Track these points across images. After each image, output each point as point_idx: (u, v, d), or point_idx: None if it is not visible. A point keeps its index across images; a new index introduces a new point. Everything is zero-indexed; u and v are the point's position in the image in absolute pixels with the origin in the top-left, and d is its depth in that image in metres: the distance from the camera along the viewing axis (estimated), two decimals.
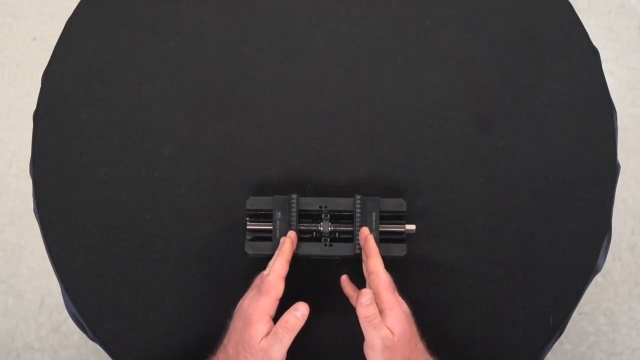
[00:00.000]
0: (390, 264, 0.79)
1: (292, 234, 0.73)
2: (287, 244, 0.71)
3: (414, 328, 0.69)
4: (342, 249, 0.74)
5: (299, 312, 0.66)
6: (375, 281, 0.68)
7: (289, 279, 0.80)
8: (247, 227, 0.75)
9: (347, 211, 0.75)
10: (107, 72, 0.84)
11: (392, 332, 0.65)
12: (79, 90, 0.83)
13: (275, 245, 0.73)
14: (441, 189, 0.81)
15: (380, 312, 0.67)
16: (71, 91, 0.83)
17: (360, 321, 0.66)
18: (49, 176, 0.81)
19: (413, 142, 0.82)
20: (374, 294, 0.68)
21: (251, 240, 0.75)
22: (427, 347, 0.70)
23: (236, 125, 0.83)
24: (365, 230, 0.73)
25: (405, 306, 0.69)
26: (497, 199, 0.81)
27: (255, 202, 0.75)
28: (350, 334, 0.77)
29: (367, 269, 0.70)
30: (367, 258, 0.71)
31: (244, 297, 0.70)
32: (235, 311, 0.70)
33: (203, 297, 0.79)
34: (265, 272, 0.69)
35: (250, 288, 0.72)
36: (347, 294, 0.75)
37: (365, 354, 0.68)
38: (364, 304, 0.65)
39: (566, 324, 0.80)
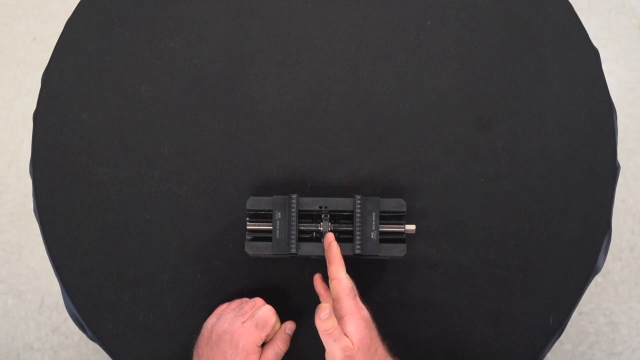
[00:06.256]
0: (390, 264, 0.79)
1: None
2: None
3: (373, 333, 0.69)
4: (342, 249, 0.74)
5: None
6: (336, 287, 0.69)
7: (289, 279, 0.80)
8: (247, 227, 0.75)
9: (347, 211, 0.75)
10: (107, 72, 0.84)
11: (351, 341, 0.66)
12: (79, 90, 0.83)
13: (275, 246, 0.73)
14: (441, 189, 0.81)
15: (340, 317, 0.68)
16: (71, 91, 0.83)
17: (320, 334, 0.67)
18: (49, 176, 0.81)
19: (413, 142, 0.82)
20: (335, 299, 0.69)
21: (251, 240, 0.75)
22: (389, 350, 0.71)
23: (236, 125, 0.83)
24: (330, 236, 0.73)
25: (365, 312, 0.69)
26: (497, 199, 0.81)
27: (255, 202, 0.75)
28: None
29: (329, 275, 0.71)
30: (329, 264, 0.71)
31: (224, 319, 0.71)
32: (213, 329, 0.71)
33: (203, 297, 0.79)
34: (260, 303, 0.73)
35: (227, 310, 0.73)
36: (317, 292, 0.76)
37: None
38: (322, 318, 0.66)
39: (566, 324, 0.80)
